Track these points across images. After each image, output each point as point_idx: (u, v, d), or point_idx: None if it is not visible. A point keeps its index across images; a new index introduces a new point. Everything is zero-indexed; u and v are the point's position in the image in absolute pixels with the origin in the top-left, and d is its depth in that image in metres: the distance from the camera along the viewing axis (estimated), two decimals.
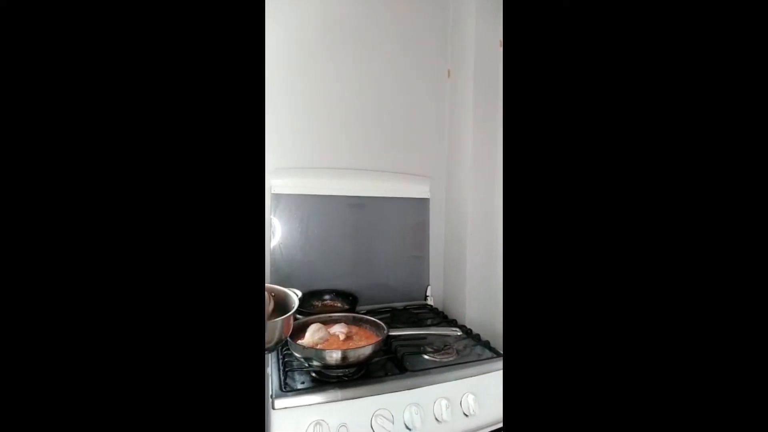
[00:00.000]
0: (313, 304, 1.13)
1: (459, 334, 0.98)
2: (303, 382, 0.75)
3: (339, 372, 0.78)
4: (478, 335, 1.00)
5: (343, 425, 0.68)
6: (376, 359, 0.82)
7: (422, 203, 1.34)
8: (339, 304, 1.15)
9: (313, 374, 0.78)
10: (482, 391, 0.80)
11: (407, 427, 0.72)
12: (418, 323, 1.11)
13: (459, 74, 1.32)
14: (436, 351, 0.90)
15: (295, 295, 0.83)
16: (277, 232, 1.17)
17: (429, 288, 1.33)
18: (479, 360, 0.87)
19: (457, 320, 1.13)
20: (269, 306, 0.72)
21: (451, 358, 0.87)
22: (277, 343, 0.66)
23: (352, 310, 1.08)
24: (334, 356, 0.75)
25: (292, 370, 0.79)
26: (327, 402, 0.69)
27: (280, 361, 0.82)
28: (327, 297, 1.17)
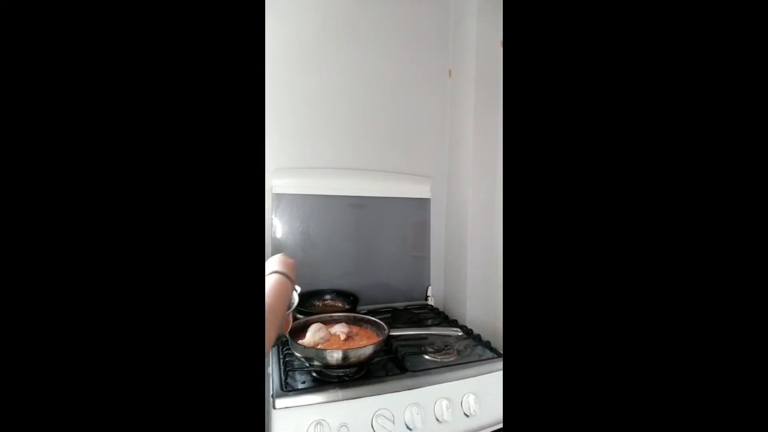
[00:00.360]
0: (313, 304, 1.13)
1: (460, 334, 0.97)
2: (304, 382, 0.75)
3: (340, 372, 0.78)
4: (478, 335, 1.00)
5: (344, 425, 0.68)
6: (377, 359, 0.82)
7: (423, 203, 1.34)
8: (340, 304, 1.15)
9: (314, 374, 0.78)
10: (483, 392, 0.80)
11: (408, 427, 0.72)
12: (419, 323, 1.11)
13: (460, 74, 1.32)
14: (437, 351, 0.90)
15: (294, 292, 0.83)
16: (278, 231, 1.17)
17: (430, 288, 1.33)
18: (480, 360, 0.87)
19: (458, 320, 1.13)
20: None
21: (451, 359, 0.87)
22: (276, 339, 0.66)
23: (352, 310, 1.08)
24: (335, 356, 0.75)
25: (293, 370, 0.79)
26: (328, 402, 0.69)
27: (281, 360, 0.82)
28: (328, 297, 1.17)
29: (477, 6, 1.21)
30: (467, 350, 0.93)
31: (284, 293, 0.64)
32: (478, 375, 0.82)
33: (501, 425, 0.80)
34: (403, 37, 1.33)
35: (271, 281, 0.63)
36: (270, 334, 0.55)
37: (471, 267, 1.25)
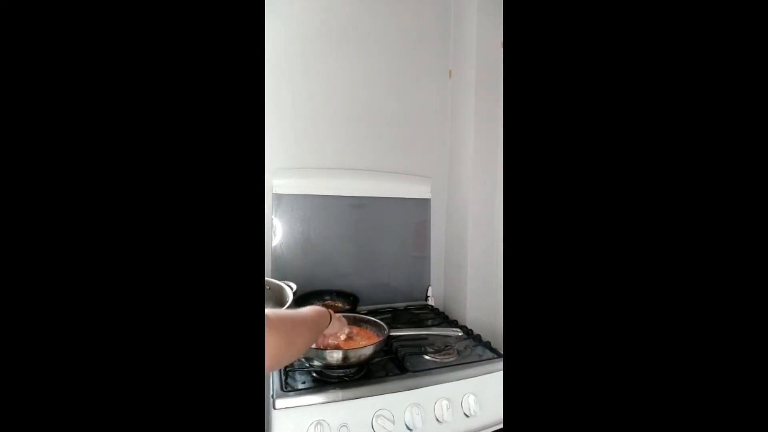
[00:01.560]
0: (314, 304, 1.13)
1: (460, 334, 0.97)
2: (304, 382, 0.75)
3: (340, 372, 0.78)
4: (478, 336, 1.00)
5: (344, 425, 0.68)
6: (377, 359, 0.82)
7: (423, 203, 1.34)
8: (340, 304, 1.15)
9: (314, 374, 0.78)
10: (483, 392, 0.80)
11: (408, 428, 0.72)
12: (419, 323, 1.11)
13: (460, 74, 1.32)
14: (437, 351, 0.90)
15: (289, 289, 0.83)
16: (278, 231, 1.17)
17: (430, 288, 1.33)
18: (480, 360, 0.87)
19: (458, 321, 1.14)
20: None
21: (451, 359, 0.87)
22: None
23: (353, 310, 1.08)
24: (335, 356, 0.75)
25: (293, 370, 0.79)
26: (328, 402, 0.69)
27: None
28: (328, 297, 1.17)
29: (477, 6, 1.21)
30: (467, 350, 0.93)
31: (322, 316, 0.70)
32: (479, 375, 0.82)
33: (501, 426, 0.80)
34: (403, 37, 1.33)
35: (313, 307, 0.72)
36: (299, 340, 0.58)
37: (471, 267, 1.25)
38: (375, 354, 0.79)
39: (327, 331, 0.74)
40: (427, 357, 0.88)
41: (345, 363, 0.76)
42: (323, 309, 0.72)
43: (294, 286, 0.85)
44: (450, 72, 1.38)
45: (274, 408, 0.66)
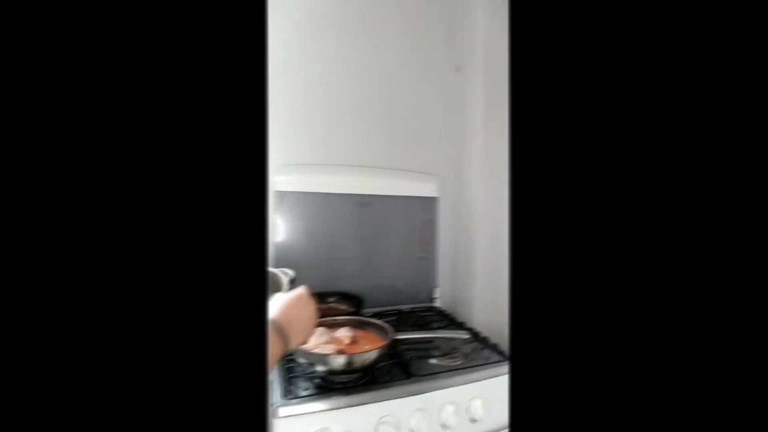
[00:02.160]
0: (317, 307, 1.12)
1: (467, 337, 0.95)
2: (306, 389, 0.74)
3: (344, 378, 0.76)
4: (486, 338, 0.99)
5: None
6: (382, 364, 0.81)
7: (430, 202, 1.32)
8: (344, 307, 1.13)
9: (317, 380, 0.77)
10: (490, 396, 0.79)
11: None
12: (425, 326, 1.10)
13: (468, 69, 1.29)
14: (443, 355, 0.89)
15: (285, 276, 0.81)
16: (280, 229, 1.16)
17: (436, 290, 1.31)
18: (487, 364, 0.86)
19: (465, 323, 1.12)
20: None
21: (458, 362, 0.86)
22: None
23: (357, 312, 1.07)
24: (338, 361, 0.73)
25: (296, 377, 0.78)
26: (331, 409, 0.68)
27: (284, 367, 0.81)
28: (331, 299, 1.15)
29: None
30: (474, 353, 0.91)
31: (308, 305, 0.68)
32: (485, 379, 0.81)
33: (508, 430, 0.79)
34: (409, 31, 1.30)
35: (293, 293, 0.69)
36: (277, 342, 0.56)
37: (479, 268, 1.23)
38: (380, 358, 0.78)
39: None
40: (432, 361, 0.86)
41: (349, 368, 0.74)
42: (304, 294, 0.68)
43: (291, 273, 0.83)
44: (457, 66, 1.35)
45: (276, 416, 0.65)
